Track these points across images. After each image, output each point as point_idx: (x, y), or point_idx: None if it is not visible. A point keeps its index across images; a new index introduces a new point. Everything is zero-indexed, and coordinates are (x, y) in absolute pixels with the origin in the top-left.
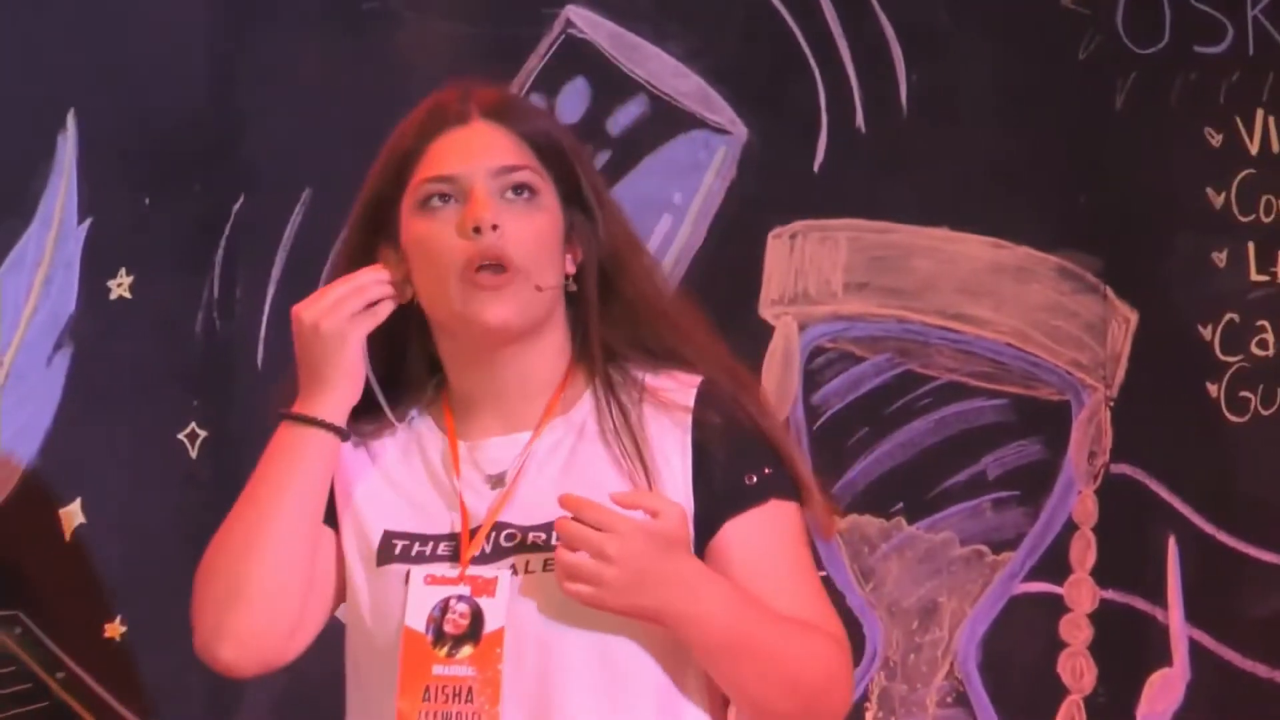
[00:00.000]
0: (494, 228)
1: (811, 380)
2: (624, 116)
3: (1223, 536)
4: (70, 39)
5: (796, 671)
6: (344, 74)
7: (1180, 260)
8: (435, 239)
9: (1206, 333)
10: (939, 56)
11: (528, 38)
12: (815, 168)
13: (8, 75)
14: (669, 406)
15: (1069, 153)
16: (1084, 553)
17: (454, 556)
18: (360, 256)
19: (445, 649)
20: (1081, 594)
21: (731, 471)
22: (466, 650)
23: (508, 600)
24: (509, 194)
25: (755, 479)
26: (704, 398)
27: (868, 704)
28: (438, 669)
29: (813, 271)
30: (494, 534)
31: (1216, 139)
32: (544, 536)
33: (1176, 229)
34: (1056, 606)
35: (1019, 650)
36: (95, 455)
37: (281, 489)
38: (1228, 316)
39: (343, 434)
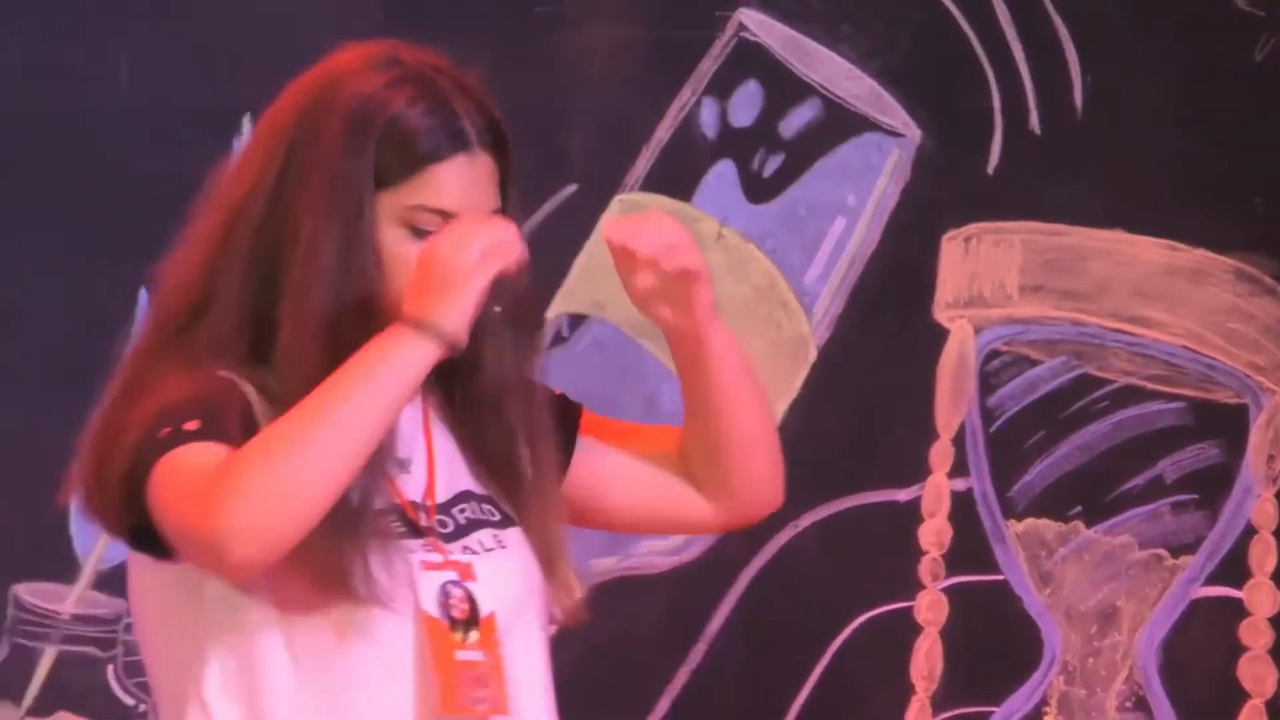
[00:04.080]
0: None
1: (987, 383)
2: (797, 120)
3: None
4: (245, 43)
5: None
6: (515, 78)
7: None
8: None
9: None
10: (1113, 58)
11: (700, 41)
12: (989, 170)
13: (184, 81)
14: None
15: (1244, 154)
16: (1263, 556)
17: (410, 532)
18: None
19: (459, 634)
20: (1261, 598)
21: (558, 402)
22: (474, 635)
23: (489, 582)
24: None
25: (567, 399)
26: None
27: (1046, 708)
28: (460, 654)
29: (987, 274)
30: (446, 516)
31: None
32: (466, 510)
33: None
34: (1236, 610)
35: (1199, 654)
36: None
37: (389, 411)
38: None
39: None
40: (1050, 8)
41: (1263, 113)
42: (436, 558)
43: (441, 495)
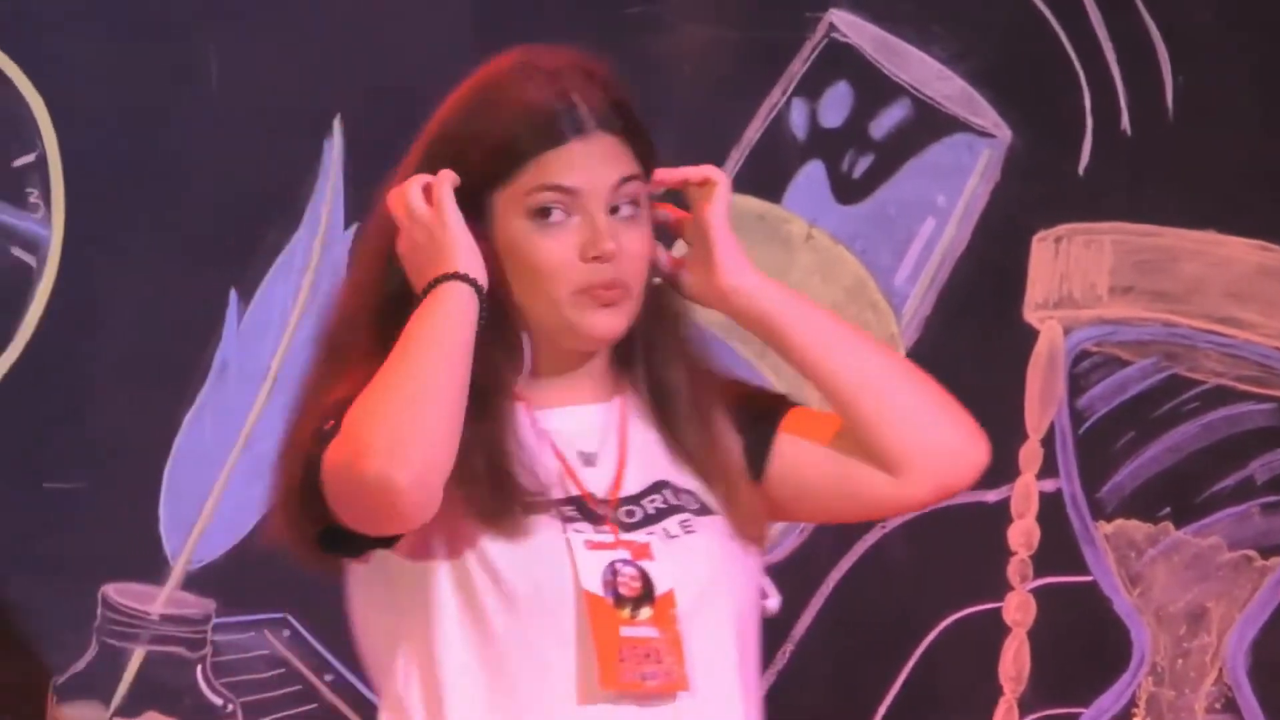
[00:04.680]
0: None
1: (1077, 384)
2: (887, 120)
3: None
4: (336, 45)
5: (918, 390)
6: None
7: None
8: (551, 256)
9: None
10: (1205, 58)
11: (790, 42)
12: (1080, 171)
13: (275, 82)
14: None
15: None
16: None
17: (586, 519)
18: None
19: (627, 610)
20: None
21: (758, 400)
22: (646, 612)
23: (668, 562)
24: (622, 209)
25: (777, 397)
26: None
27: (1135, 709)
28: (625, 630)
29: (1078, 275)
30: (635, 506)
31: None
32: (658, 500)
33: None
34: None
35: None
36: None
37: (438, 343)
38: None
39: (479, 288)
40: (1142, 8)
41: None
42: (606, 538)
43: (632, 488)
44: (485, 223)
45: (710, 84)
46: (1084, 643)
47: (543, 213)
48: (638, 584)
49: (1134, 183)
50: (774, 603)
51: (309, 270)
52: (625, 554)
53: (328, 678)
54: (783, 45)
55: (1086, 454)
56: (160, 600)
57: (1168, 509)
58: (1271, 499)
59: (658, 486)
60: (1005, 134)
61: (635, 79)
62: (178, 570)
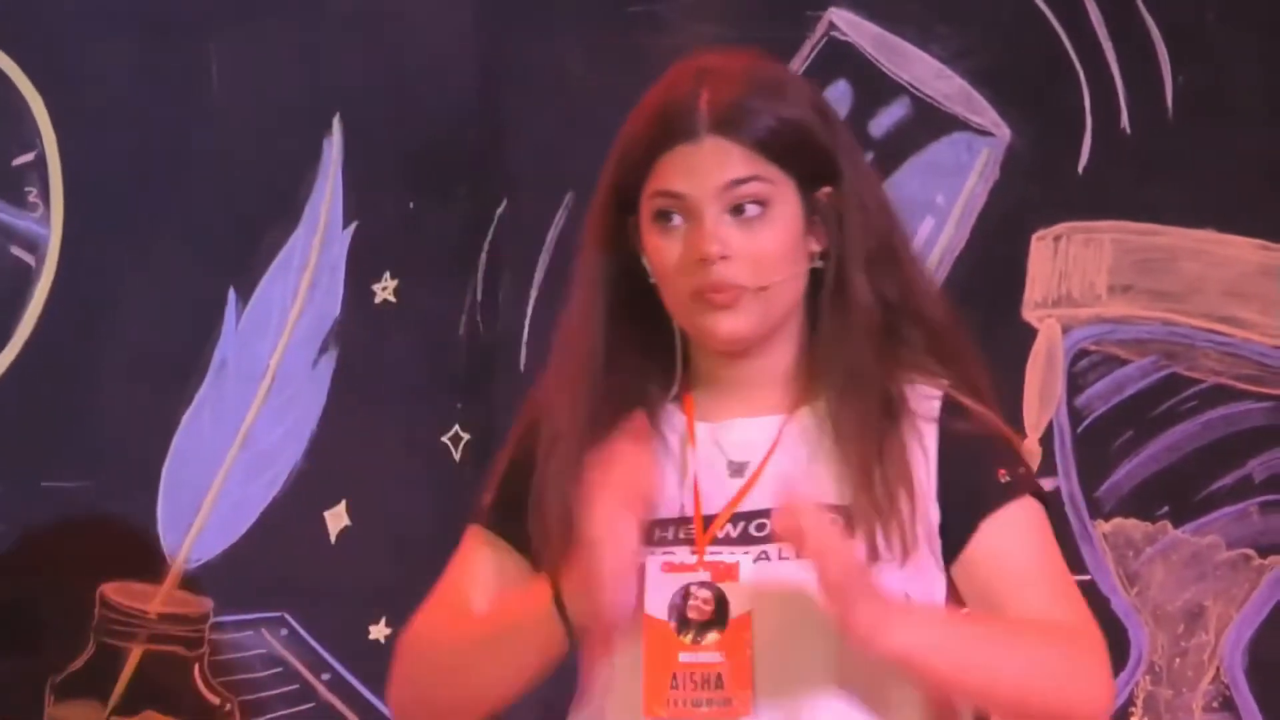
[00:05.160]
0: (722, 258)
1: (1075, 383)
2: (886, 119)
3: None
4: (336, 44)
5: (1044, 676)
6: (607, 78)
7: None
8: (666, 258)
9: None
10: (1206, 56)
11: (790, 40)
12: (1079, 169)
13: (275, 81)
14: (912, 416)
15: None
16: None
17: (679, 539)
18: (611, 237)
19: (690, 635)
20: None
21: (984, 472)
22: (713, 636)
23: (754, 582)
24: (738, 212)
25: (1008, 477)
26: (949, 408)
27: (1133, 709)
28: (684, 656)
29: (1077, 274)
30: (741, 523)
31: None
32: None
33: None
34: None
35: None
36: (360, 458)
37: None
38: None
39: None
40: (1142, 7)
41: None
42: (687, 559)
43: (769, 503)
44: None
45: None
46: None
47: (661, 216)
48: (710, 607)
49: (1133, 181)
50: None
51: (308, 269)
52: (705, 575)
53: (325, 677)
54: (782, 44)
55: (1085, 452)
56: (158, 599)
57: (1166, 508)
58: (1270, 498)
59: None
60: (1004, 133)
61: (636, 78)
62: (175, 569)
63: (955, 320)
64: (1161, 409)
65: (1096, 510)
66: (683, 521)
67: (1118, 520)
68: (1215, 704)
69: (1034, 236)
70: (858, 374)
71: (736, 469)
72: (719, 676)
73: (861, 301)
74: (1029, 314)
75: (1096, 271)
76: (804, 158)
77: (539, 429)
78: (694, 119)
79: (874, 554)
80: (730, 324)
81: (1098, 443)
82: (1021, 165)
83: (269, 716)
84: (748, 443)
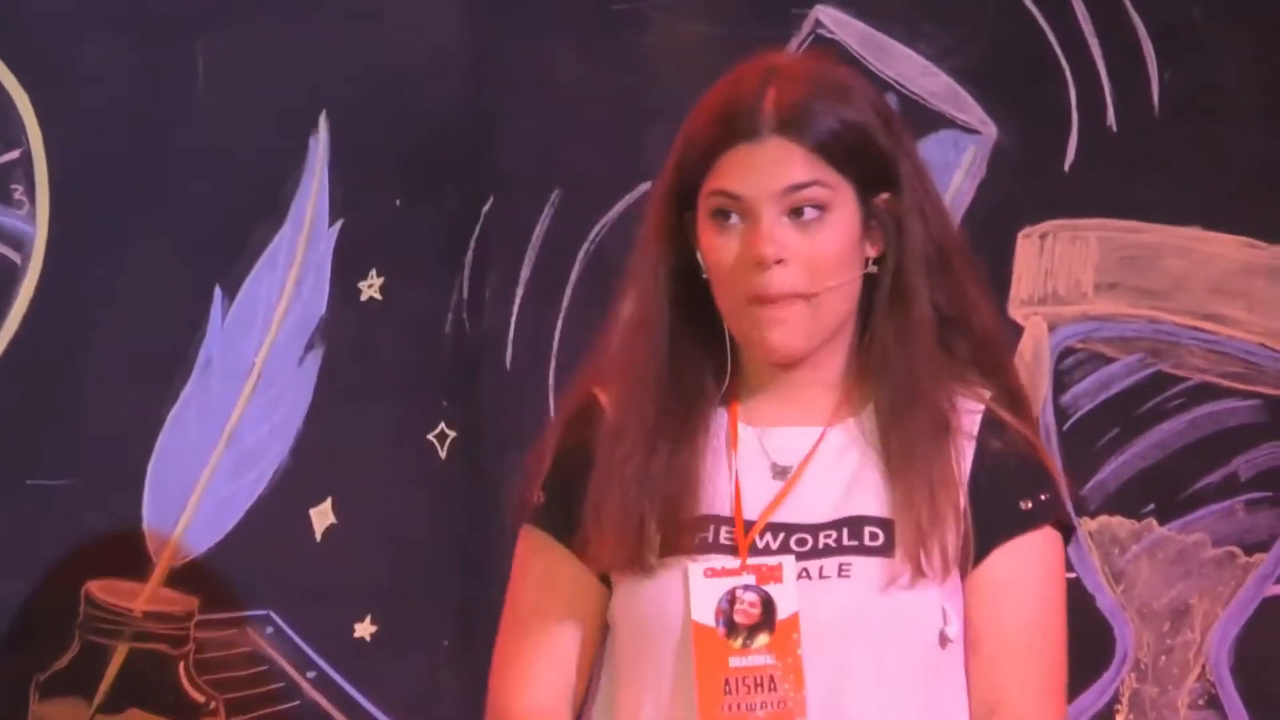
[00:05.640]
0: (779, 262)
1: (1061, 381)
2: None
3: None
4: (323, 41)
5: None
6: (594, 76)
7: None
8: (722, 257)
9: None
10: (1192, 54)
11: (777, 38)
12: (1066, 167)
13: (261, 79)
14: (953, 431)
15: None
16: None
17: (735, 545)
18: (668, 232)
19: (740, 640)
20: None
21: (1009, 497)
22: (763, 639)
23: (798, 588)
24: (796, 214)
25: (1031, 505)
26: (989, 424)
27: (1118, 706)
28: (735, 660)
29: (1063, 271)
30: (781, 533)
31: None
32: (834, 535)
33: None
34: None
35: (1272, 652)
36: (346, 455)
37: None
38: None
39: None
40: (1129, 5)
41: None
42: (731, 563)
43: (814, 517)
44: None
45: (696, 81)
46: (1067, 639)
47: (719, 215)
48: (756, 610)
49: (1120, 179)
50: (952, 630)
51: (293, 267)
52: (750, 579)
53: (310, 675)
54: (769, 42)
55: (1070, 450)
56: (143, 597)
57: (1151, 505)
58: (1255, 495)
59: (843, 522)
60: (991, 130)
61: (621, 76)
62: (161, 567)
63: (1002, 332)
64: (1147, 406)
65: (1082, 508)
66: (722, 522)
67: (1103, 518)
68: (1201, 701)
69: (1020, 234)
70: (912, 386)
71: (780, 471)
72: (772, 679)
73: (920, 311)
74: (1015, 311)
75: (1082, 269)
76: (864, 162)
77: (589, 421)
78: (758, 118)
79: (918, 572)
80: (783, 338)
81: (1083, 440)
82: (1008, 163)
83: (254, 715)
84: (793, 449)
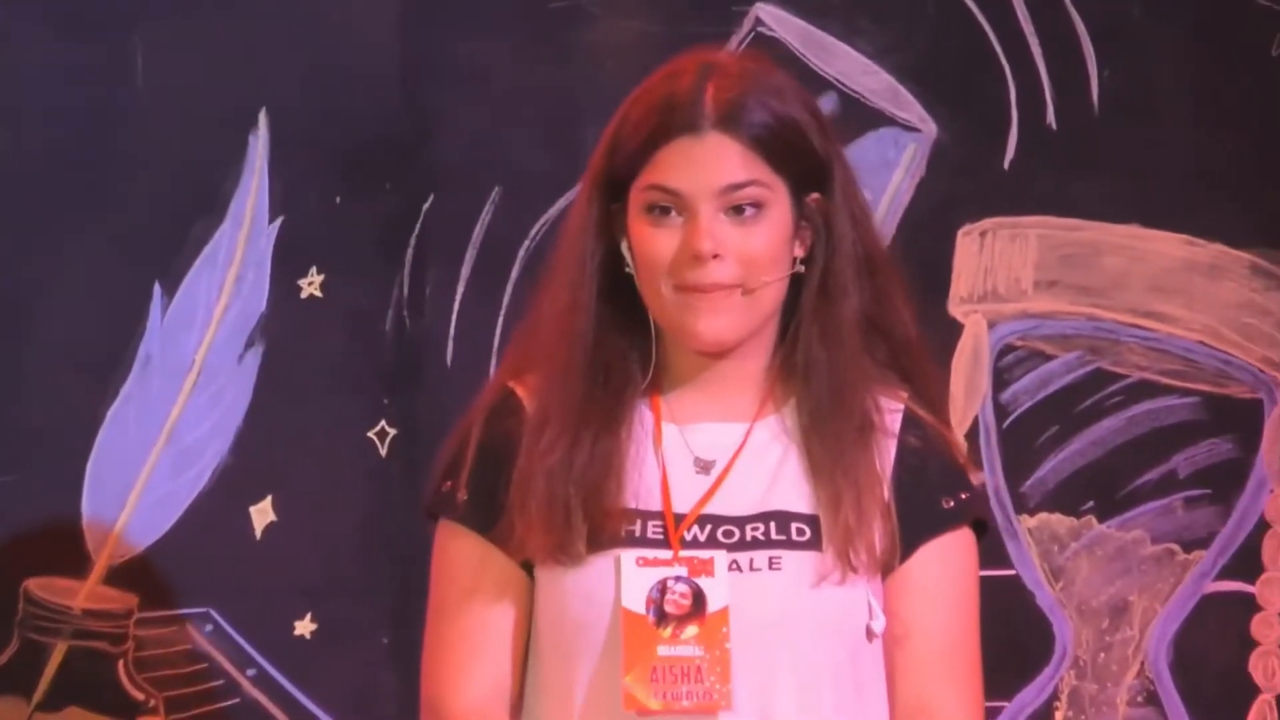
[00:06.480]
0: (715, 257)
1: (1001, 378)
2: None
3: None
4: (262, 39)
5: None
6: (533, 73)
7: None
8: (655, 250)
9: None
10: (1131, 53)
11: (717, 36)
12: (1005, 165)
13: (200, 75)
14: (875, 429)
15: (1261, 149)
16: (1276, 551)
17: (664, 538)
18: (596, 225)
19: (669, 629)
20: (1273, 593)
21: (932, 495)
22: (692, 631)
23: (728, 583)
24: (733, 212)
25: (953, 504)
26: (908, 422)
27: (1057, 703)
28: (663, 649)
29: (1002, 269)
30: (708, 525)
31: None
32: (761, 529)
33: None
34: (1248, 605)
35: (1210, 649)
36: (286, 453)
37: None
38: None
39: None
40: (1069, 4)
41: (1279, 106)
42: (664, 554)
43: (739, 510)
44: (628, 215)
45: (637, 78)
46: (1006, 636)
47: (653, 209)
48: (687, 602)
49: (1059, 177)
50: (878, 625)
51: (233, 264)
52: (682, 570)
53: (250, 672)
54: (709, 39)
55: (1010, 448)
56: (82, 595)
57: (1091, 503)
58: (1194, 493)
59: (769, 516)
60: (931, 128)
61: (560, 73)
62: (100, 564)
63: (922, 340)
64: (1086, 404)
65: (1022, 505)
66: (649, 516)
67: (1043, 515)
68: (1140, 698)
69: (960, 232)
70: (837, 386)
71: (703, 466)
72: (699, 670)
73: (847, 313)
74: (955, 309)
75: (1022, 267)
76: (799, 161)
77: (509, 414)
78: (698, 112)
79: (848, 568)
80: (713, 326)
81: (1023, 438)
82: (948, 161)
83: (193, 712)
84: (716, 445)
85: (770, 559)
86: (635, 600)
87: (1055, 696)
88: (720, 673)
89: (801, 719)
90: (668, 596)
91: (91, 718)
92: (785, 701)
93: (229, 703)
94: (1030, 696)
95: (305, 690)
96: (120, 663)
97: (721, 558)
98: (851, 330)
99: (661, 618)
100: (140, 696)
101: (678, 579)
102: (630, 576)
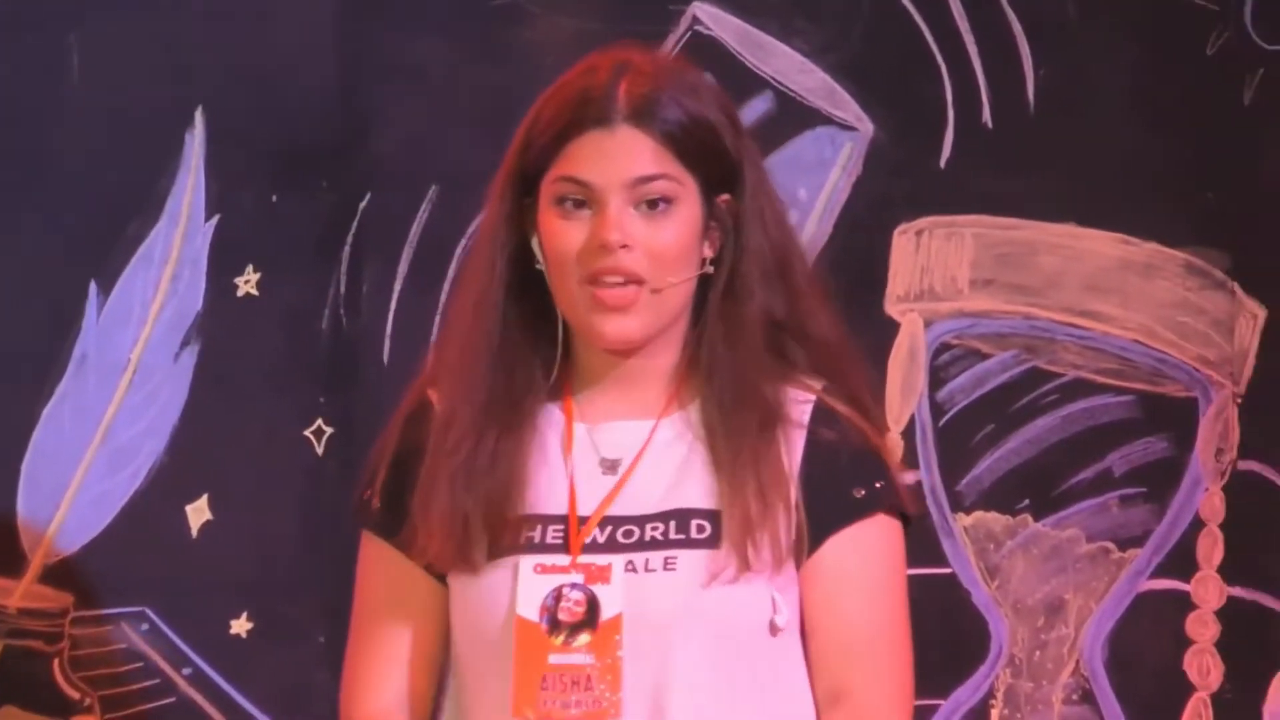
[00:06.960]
0: (623, 247)
1: (937, 377)
2: (750, 113)
3: None
4: (198, 37)
5: None
6: (471, 71)
7: None
8: (564, 242)
9: None
10: (1066, 52)
11: (654, 35)
12: (941, 164)
13: (136, 73)
14: (783, 422)
15: (1197, 149)
16: (1211, 550)
17: (564, 543)
18: (510, 218)
19: (561, 637)
20: (1208, 591)
21: (842, 485)
22: (584, 639)
23: (624, 588)
24: (643, 206)
25: (864, 492)
26: (820, 414)
27: (993, 701)
28: (554, 657)
29: (938, 268)
30: (609, 526)
31: None
32: (661, 528)
33: None
34: (1183, 603)
35: (1145, 647)
36: (222, 452)
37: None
38: None
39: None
40: (1004, 3)
41: (1215, 106)
42: (561, 561)
43: (643, 508)
44: (539, 210)
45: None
46: (942, 635)
47: (564, 201)
48: (581, 609)
49: (995, 176)
50: (781, 619)
51: (170, 262)
52: (578, 577)
53: (186, 671)
54: (646, 37)
55: (946, 446)
56: (17, 594)
57: (1026, 501)
58: (1129, 491)
59: (671, 515)
60: (867, 127)
61: (500, 71)
62: (35, 563)
63: (842, 338)
64: (1022, 403)
65: (957, 504)
66: (550, 521)
67: (979, 513)
68: (1075, 696)
69: (896, 231)
70: (739, 382)
71: (609, 465)
72: (589, 678)
73: (751, 313)
74: (891, 308)
75: (958, 265)
76: (710, 160)
77: (422, 422)
78: (610, 106)
79: (744, 564)
80: (620, 325)
81: (959, 436)
82: (884, 159)
83: (130, 711)
84: (622, 443)
85: (665, 559)
86: (530, 608)
87: (991, 694)
88: (611, 680)
89: None
90: (562, 604)
91: (27, 717)
92: (679, 706)
93: (165, 701)
94: (966, 694)
95: (241, 689)
96: (55, 661)
97: (618, 562)
98: (754, 330)
99: (555, 625)
100: (76, 695)
101: (573, 586)
102: (526, 584)
